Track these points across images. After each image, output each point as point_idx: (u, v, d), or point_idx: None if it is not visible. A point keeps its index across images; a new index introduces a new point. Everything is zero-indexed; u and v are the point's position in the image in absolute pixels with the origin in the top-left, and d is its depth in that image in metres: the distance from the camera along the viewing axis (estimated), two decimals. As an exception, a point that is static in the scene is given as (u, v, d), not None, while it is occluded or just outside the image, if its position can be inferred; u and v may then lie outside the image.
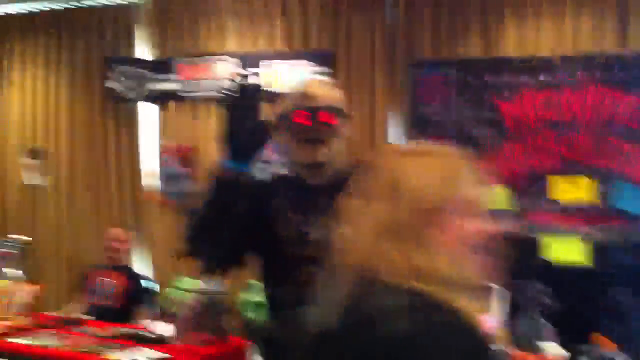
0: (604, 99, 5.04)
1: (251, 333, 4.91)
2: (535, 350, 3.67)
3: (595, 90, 5.06)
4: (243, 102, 2.20)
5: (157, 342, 4.32)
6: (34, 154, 6.82)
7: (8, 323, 4.68)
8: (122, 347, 4.21)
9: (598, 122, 5.05)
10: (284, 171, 2.59)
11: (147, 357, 3.93)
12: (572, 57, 5.18)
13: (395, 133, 5.57)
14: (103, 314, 5.16)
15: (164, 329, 4.52)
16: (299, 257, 2.25)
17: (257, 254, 2.40)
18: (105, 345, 4.30)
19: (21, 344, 4.33)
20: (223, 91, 2.28)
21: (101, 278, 5.65)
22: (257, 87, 2.22)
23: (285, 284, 2.29)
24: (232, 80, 2.19)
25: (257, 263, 2.42)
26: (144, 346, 4.23)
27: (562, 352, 3.66)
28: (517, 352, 3.54)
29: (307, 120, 2.31)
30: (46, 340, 4.40)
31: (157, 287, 5.98)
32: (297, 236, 2.29)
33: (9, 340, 4.40)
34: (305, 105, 2.32)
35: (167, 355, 3.96)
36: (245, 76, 2.24)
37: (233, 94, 2.22)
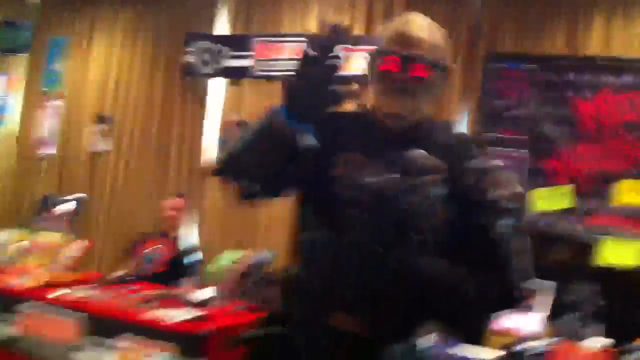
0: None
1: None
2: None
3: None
4: (323, 54, 1.82)
5: (197, 304, 4.25)
6: (101, 119, 6.88)
7: (53, 274, 4.68)
8: (161, 305, 4.16)
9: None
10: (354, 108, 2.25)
11: (184, 315, 3.85)
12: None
13: (468, 124, 5.37)
14: (147, 280, 5.12)
15: (206, 294, 4.44)
16: (344, 200, 1.96)
17: (300, 188, 2.11)
18: (145, 302, 4.25)
19: (62, 295, 4.31)
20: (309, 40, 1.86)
21: (150, 245, 5.62)
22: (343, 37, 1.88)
23: (323, 226, 2.00)
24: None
25: (297, 200, 2.15)
26: (182, 306, 4.17)
27: (607, 341, 3.43)
28: (565, 344, 3.32)
29: (398, 70, 1.99)
30: (87, 293, 4.37)
31: (203, 259, 5.90)
32: (347, 178, 1.98)
33: (51, 290, 4.39)
34: (400, 52, 2.00)
35: (203, 314, 3.88)
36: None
37: (316, 46, 1.84)
